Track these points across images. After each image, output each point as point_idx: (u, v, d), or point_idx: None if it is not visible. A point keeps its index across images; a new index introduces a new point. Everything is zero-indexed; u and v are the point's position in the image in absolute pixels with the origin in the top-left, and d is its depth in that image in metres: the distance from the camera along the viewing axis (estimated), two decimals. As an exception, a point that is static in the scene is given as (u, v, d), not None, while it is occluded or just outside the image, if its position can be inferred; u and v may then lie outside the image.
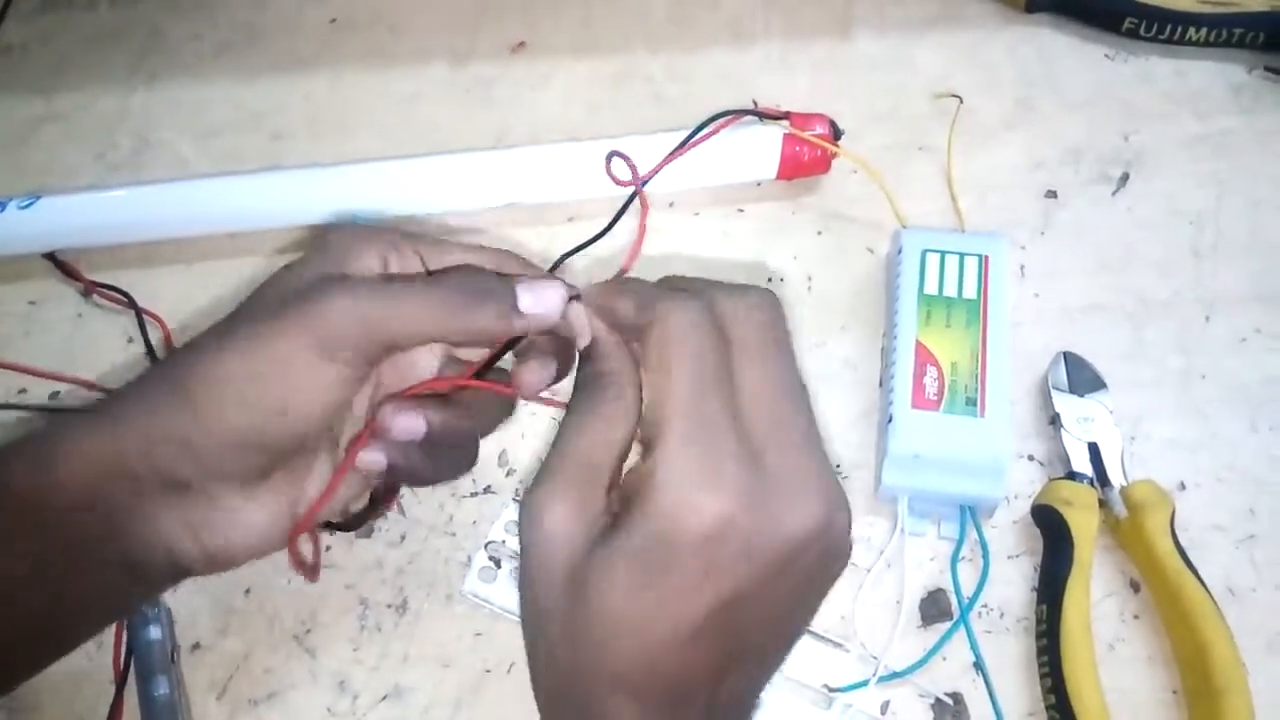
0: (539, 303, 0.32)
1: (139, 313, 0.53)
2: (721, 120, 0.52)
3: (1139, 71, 0.58)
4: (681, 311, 0.29)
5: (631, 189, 0.51)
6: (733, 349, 0.29)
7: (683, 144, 0.51)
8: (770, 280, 0.52)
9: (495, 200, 0.55)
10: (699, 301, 0.29)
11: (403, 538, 0.47)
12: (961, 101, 0.56)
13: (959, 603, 0.43)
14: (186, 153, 0.60)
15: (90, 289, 0.54)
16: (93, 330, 0.54)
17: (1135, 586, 0.44)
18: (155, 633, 0.43)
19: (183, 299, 0.54)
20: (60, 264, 0.55)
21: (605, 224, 0.52)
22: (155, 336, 0.53)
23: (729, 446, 0.27)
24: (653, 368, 0.29)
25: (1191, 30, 0.57)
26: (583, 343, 0.32)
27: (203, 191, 0.55)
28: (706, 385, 0.28)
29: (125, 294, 0.54)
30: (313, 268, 0.33)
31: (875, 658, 0.42)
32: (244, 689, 0.44)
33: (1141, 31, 0.58)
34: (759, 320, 0.30)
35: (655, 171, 0.51)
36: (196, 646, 0.45)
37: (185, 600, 0.45)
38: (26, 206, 0.53)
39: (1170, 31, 0.57)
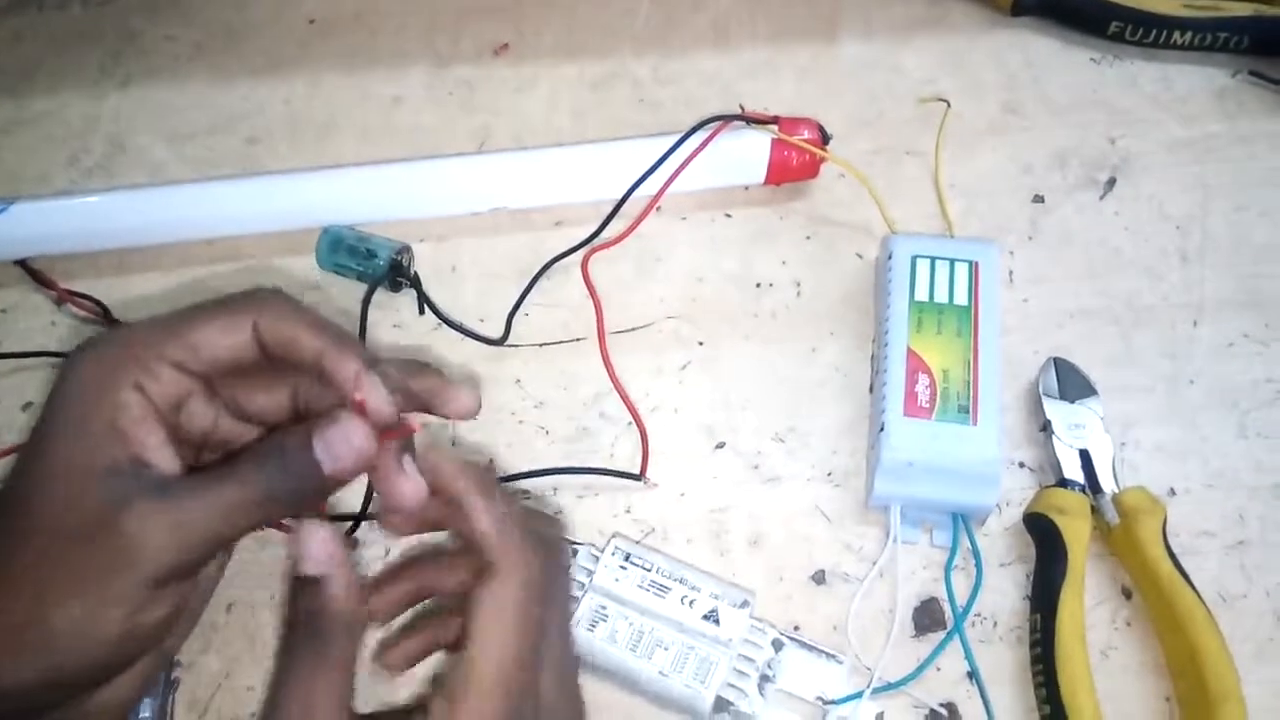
0: (342, 457, 0.29)
1: (113, 323, 0.52)
2: (712, 128, 0.51)
3: (1124, 75, 0.58)
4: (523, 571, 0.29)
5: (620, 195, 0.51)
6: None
7: (669, 151, 0.51)
8: (759, 286, 0.52)
9: (480, 205, 0.54)
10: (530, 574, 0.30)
11: (387, 552, 0.46)
12: (949, 106, 0.56)
13: (953, 612, 0.42)
14: (161, 157, 0.59)
15: (63, 297, 0.53)
16: (66, 339, 0.52)
17: (1127, 594, 0.44)
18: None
19: (158, 307, 0.51)
20: (33, 272, 0.54)
21: (592, 229, 0.52)
22: (131, 346, 0.51)
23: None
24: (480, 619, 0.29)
25: (1176, 34, 0.57)
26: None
27: (178, 197, 0.54)
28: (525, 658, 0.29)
29: (99, 303, 0.53)
30: (79, 443, 0.28)
31: (869, 669, 0.42)
32: (227, 708, 0.43)
33: (1127, 35, 0.58)
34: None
35: (642, 179, 0.51)
36: (176, 664, 0.44)
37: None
38: (-3, 213, 0.52)
39: (1155, 35, 0.58)
